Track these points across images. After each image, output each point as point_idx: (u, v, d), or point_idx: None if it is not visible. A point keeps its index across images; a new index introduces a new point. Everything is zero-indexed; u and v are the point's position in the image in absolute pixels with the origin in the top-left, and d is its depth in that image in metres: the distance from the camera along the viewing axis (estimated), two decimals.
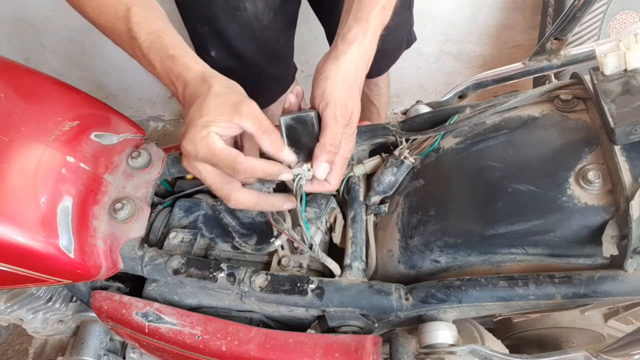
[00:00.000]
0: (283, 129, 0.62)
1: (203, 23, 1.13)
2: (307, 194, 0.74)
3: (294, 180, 0.63)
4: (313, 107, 0.63)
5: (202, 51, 1.20)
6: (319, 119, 0.62)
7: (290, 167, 0.63)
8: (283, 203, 0.65)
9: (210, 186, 0.64)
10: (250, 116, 0.60)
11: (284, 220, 0.66)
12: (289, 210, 0.73)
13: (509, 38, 1.79)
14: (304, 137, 0.63)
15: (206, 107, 0.59)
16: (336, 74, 0.62)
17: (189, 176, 0.84)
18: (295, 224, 0.69)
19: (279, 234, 0.69)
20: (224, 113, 0.59)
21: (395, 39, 1.35)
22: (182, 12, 1.16)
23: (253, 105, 0.61)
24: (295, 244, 0.68)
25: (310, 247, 0.65)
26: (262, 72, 1.24)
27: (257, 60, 1.21)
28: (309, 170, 0.62)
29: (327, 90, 0.61)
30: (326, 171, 0.63)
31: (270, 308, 0.70)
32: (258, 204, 0.65)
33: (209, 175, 0.62)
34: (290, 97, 0.66)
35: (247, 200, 0.64)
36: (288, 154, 0.62)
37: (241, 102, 0.60)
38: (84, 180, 0.69)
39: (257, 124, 0.60)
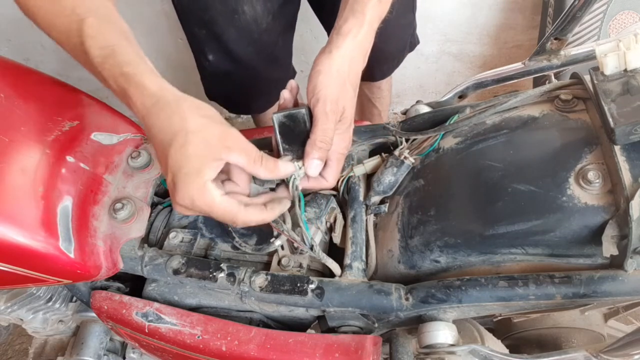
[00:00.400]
0: (276, 126, 0.62)
1: (201, 26, 1.12)
2: (307, 194, 0.74)
3: (288, 181, 0.62)
4: (305, 104, 0.63)
5: (200, 55, 1.20)
6: (311, 115, 0.61)
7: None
8: (285, 207, 0.64)
9: (214, 218, 0.61)
10: (238, 149, 0.57)
11: (284, 222, 0.66)
12: (289, 211, 0.73)
13: (509, 38, 1.79)
14: (296, 134, 0.62)
15: (191, 149, 0.54)
16: (329, 69, 0.61)
17: None
18: (295, 224, 0.69)
19: (279, 234, 0.69)
20: (212, 153, 0.55)
21: (400, 42, 1.34)
22: (180, 16, 1.16)
23: (236, 134, 0.58)
24: (296, 245, 0.68)
25: (311, 248, 0.65)
26: (261, 75, 1.24)
27: (255, 64, 1.20)
28: (300, 168, 0.62)
29: (318, 85, 0.60)
30: (318, 168, 0.62)
31: (270, 308, 0.70)
32: (265, 219, 0.62)
33: (210, 216, 0.60)
34: (284, 93, 0.65)
35: (254, 219, 0.61)
36: (284, 169, 0.60)
37: (226, 134, 0.56)
38: (84, 180, 0.69)
39: (247, 156, 0.57)
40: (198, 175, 0.55)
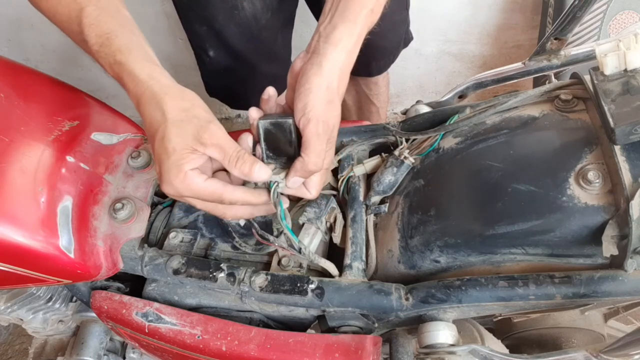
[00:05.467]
0: (261, 132, 0.61)
1: (201, 23, 1.13)
2: (298, 199, 0.74)
3: (270, 188, 0.62)
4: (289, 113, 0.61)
5: (200, 51, 1.21)
6: (297, 127, 0.60)
7: None
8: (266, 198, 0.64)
9: (203, 210, 0.63)
10: (213, 144, 0.57)
11: (279, 225, 0.66)
12: (289, 209, 0.73)
13: (509, 38, 1.79)
14: (281, 143, 0.61)
15: (168, 142, 0.56)
16: (319, 87, 0.58)
17: None
18: (295, 225, 0.69)
19: (279, 233, 0.69)
20: (187, 145, 0.56)
21: (395, 38, 1.36)
22: (180, 13, 1.17)
23: (214, 129, 0.58)
24: (282, 253, 0.68)
25: (300, 251, 0.65)
26: (260, 71, 1.24)
27: (255, 60, 1.21)
28: (282, 180, 0.62)
29: (309, 105, 0.57)
30: (298, 184, 0.62)
31: (270, 308, 0.70)
32: (253, 213, 0.64)
33: (199, 204, 0.61)
34: (269, 90, 0.64)
35: (242, 213, 0.63)
36: (258, 174, 0.59)
37: (201, 129, 0.57)
38: (84, 180, 0.70)
39: (222, 152, 0.58)
40: (178, 167, 0.57)
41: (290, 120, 0.60)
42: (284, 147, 0.62)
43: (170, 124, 0.57)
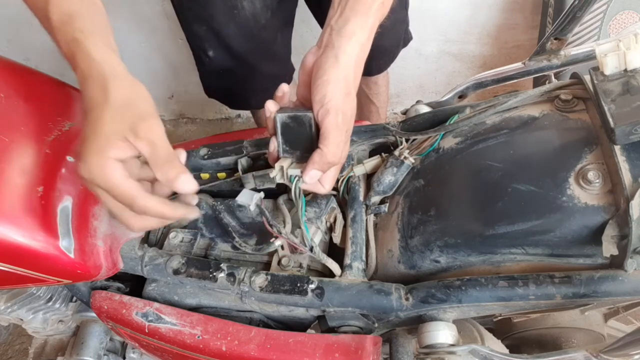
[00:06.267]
0: (278, 126, 0.62)
1: (201, 23, 1.13)
2: (306, 194, 0.74)
3: (291, 182, 0.62)
4: (307, 107, 0.62)
5: (199, 52, 1.20)
6: (316, 122, 0.60)
7: (282, 169, 0.63)
8: (190, 214, 0.62)
9: (109, 210, 0.59)
10: (146, 138, 0.54)
11: (284, 222, 0.66)
12: (289, 211, 0.73)
13: (509, 38, 1.79)
14: (298, 138, 0.62)
15: (101, 124, 0.54)
16: (337, 78, 0.58)
17: None
18: (295, 225, 0.69)
19: (279, 233, 0.69)
20: (120, 132, 0.54)
21: (394, 37, 1.36)
22: (178, 13, 1.17)
23: (154, 124, 0.55)
24: (295, 246, 0.68)
25: (311, 249, 0.65)
26: (260, 71, 1.24)
27: (254, 60, 1.21)
28: (298, 176, 0.62)
29: (327, 96, 0.58)
30: (316, 178, 0.61)
31: (270, 308, 0.70)
32: (164, 213, 0.59)
33: (108, 202, 0.58)
34: (283, 87, 0.64)
35: (151, 224, 0.61)
36: (185, 185, 0.56)
37: (140, 120, 0.54)
38: None
39: (152, 149, 0.55)
40: (101, 151, 0.54)
41: (310, 114, 0.60)
42: (300, 141, 0.62)
43: (109, 106, 0.54)
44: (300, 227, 0.67)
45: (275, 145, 0.64)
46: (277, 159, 0.65)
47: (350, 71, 0.59)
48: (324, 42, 0.60)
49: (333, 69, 0.58)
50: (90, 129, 0.55)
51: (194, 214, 0.63)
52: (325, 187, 0.65)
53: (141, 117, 0.55)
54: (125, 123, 0.54)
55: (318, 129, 0.60)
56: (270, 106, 0.62)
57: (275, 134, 0.63)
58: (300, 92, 0.64)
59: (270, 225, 0.66)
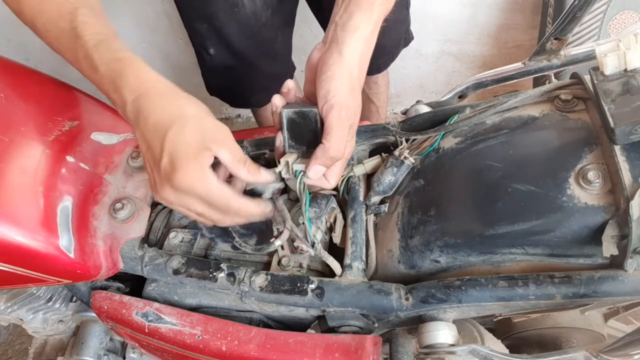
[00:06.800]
0: (284, 122, 0.62)
1: (202, 21, 1.14)
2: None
3: (296, 177, 0.62)
4: (313, 103, 0.62)
5: (201, 49, 1.21)
6: (321, 118, 0.61)
7: (287, 164, 0.63)
8: (267, 207, 0.65)
9: (196, 215, 0.62)
10: (226, 145, 0.58)
11: (285, 219, 0.66)
12: (289, 212, 0.73)
13: (509, 38, 1.79)
14: (304, 133, 0.62)
15: (189, 135, 0.56)
16: (341, 74, 0.58)
17: None
18: (296, 222, 0.69)
19: (279, 233, 0.69)
20: (205, 142, 0.56)
21: (395, 36, 1.36)
22: (180, 11, 1.17)
23: (228, 131, 0.59)
24: (296, 243, 0.68)
25: (313, 245, 0.65)
26: (260, 69, 1.25)
27: (255, 59, 1.22)
28: (302, 172, 0.62)
29: (331, 91, 0.58)
30: (320, 173, 0.62)
31: (270, 308, 0.70)
32: (255, 211, 0.64)
33: (199, 208, 0.60)
34: (289, 83, 0.64)
35: (245, 207, 0.63)
36: (265, 176, 0.61)
37: (218, 128, 0.58)
38: (84, 180, 0.69)
39: (233, 154, 0.58)
40: (196, 160, 0.56)
41: (315, 110, 0.60)
42: (306, 136, 0.62)
43: (190, 117, 0.57)
44: (302, 224, 0.67)
45: (281, 140, 0.64)
46: (283, 154, 0.65)
47: (354, 66, 0.59)
48: (329, 38, 0.61)
49: (337, 65, 0.58)
50: (180, 140, 0.56)
51: (269, 207, 0.65)
52: (330, 182, 0.65)
53: (215, 127, 0.58)
54: (207, 134, 0.57)
55: (323, 124, 0.60)
56: (277, 101, 0.63)
57: (281, 129, 0.63)
58: (306, 89, 0.65)
59: (275, 220, 0.66)
